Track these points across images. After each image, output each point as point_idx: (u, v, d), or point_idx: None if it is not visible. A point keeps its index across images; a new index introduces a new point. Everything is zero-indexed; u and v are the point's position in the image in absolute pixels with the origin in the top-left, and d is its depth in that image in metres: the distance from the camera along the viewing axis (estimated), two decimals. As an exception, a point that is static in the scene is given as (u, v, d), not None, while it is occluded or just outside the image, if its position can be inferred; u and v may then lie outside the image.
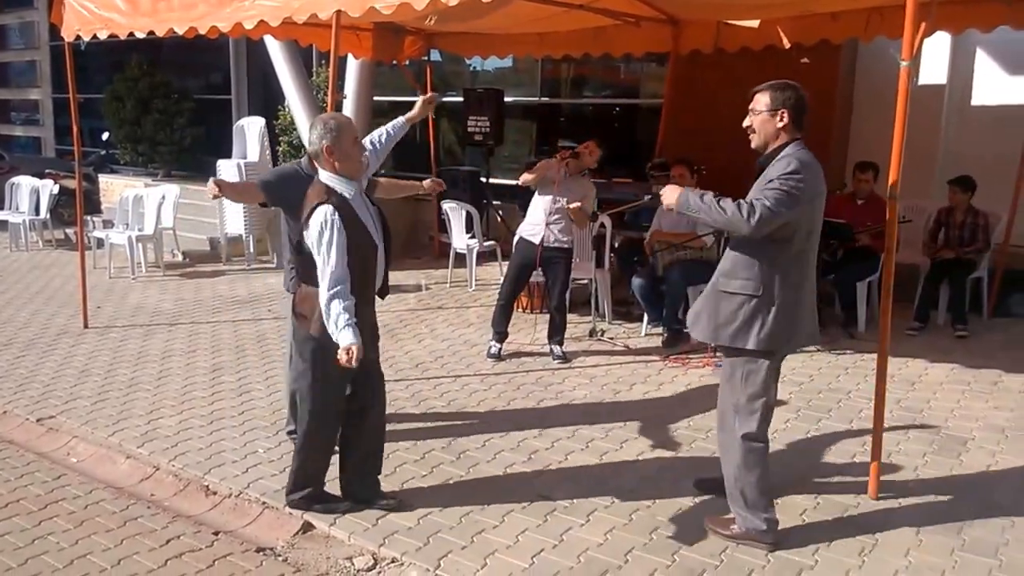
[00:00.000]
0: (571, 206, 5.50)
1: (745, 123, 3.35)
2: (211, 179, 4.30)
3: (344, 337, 3.12)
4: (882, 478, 3.76)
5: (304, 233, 3.30)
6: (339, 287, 3.17)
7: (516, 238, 5.87)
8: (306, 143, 3.76)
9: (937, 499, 3.74)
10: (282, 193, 4.04)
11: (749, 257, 3.21)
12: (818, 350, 5.91)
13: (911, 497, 3.76)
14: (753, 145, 3.35)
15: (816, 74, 6.90)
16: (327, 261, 3.17)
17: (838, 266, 6.40)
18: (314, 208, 3.23)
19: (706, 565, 3.22)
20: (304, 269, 3.43)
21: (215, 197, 4.25)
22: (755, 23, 6.36)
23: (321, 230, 3.18)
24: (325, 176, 3.35)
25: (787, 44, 6.47)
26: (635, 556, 3.29)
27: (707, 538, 3.40)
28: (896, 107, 3.49)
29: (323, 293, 3.18)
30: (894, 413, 4.70)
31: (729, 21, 6.72)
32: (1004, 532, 3.44)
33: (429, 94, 4.25)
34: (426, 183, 4.89)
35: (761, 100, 3.27)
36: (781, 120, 3.22)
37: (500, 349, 5.85)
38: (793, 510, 3.62)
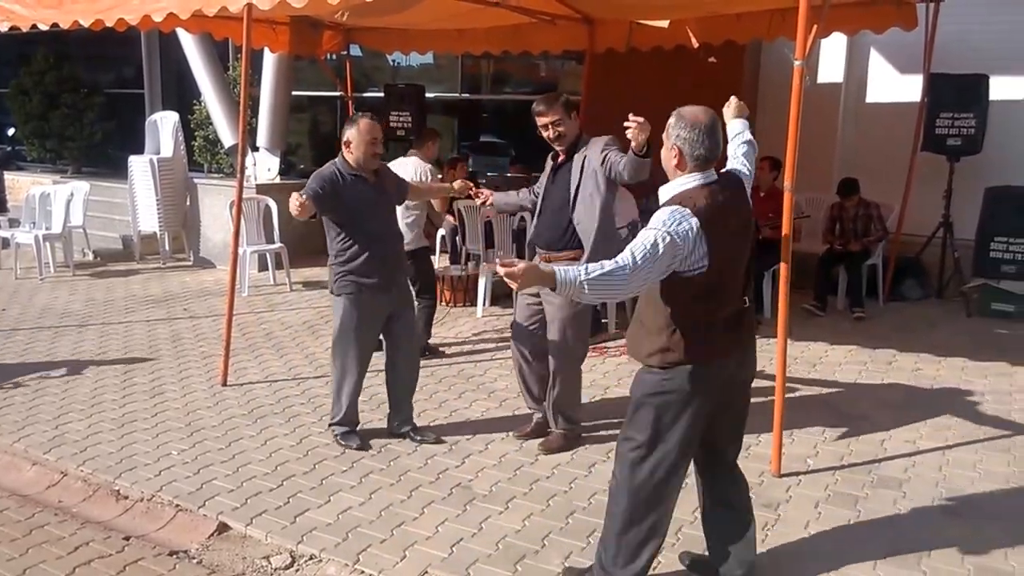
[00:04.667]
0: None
1: (554, 135, 4.07)
2: (294, 195, 3.91)
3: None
4: (784, 455, 3.96)
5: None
6: None
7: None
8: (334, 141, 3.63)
9: (835, 473, 3.95)
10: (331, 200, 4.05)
11: None
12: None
13: (811, 472, 3.96)
14: (564, 147, 4.12)
15: (723, 72, 7.14)
16: None
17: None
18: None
19: (619, 546, 3.34)
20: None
21: (299, 215, 3.93)
22: (665, 23, 6.55)
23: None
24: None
25: (696, 44, 6.68)
26: (552, 540, 3.37)
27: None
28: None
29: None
30: (796, 393, 4.93)
31: (640, 21, 6.90)
32: (895, 503, 3.65)
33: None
34: (457, 184, 4.83)
35: (552, 112, 4.05)
36: (573, 118, 4.11)
37: None
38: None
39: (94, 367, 5.59)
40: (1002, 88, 6.96)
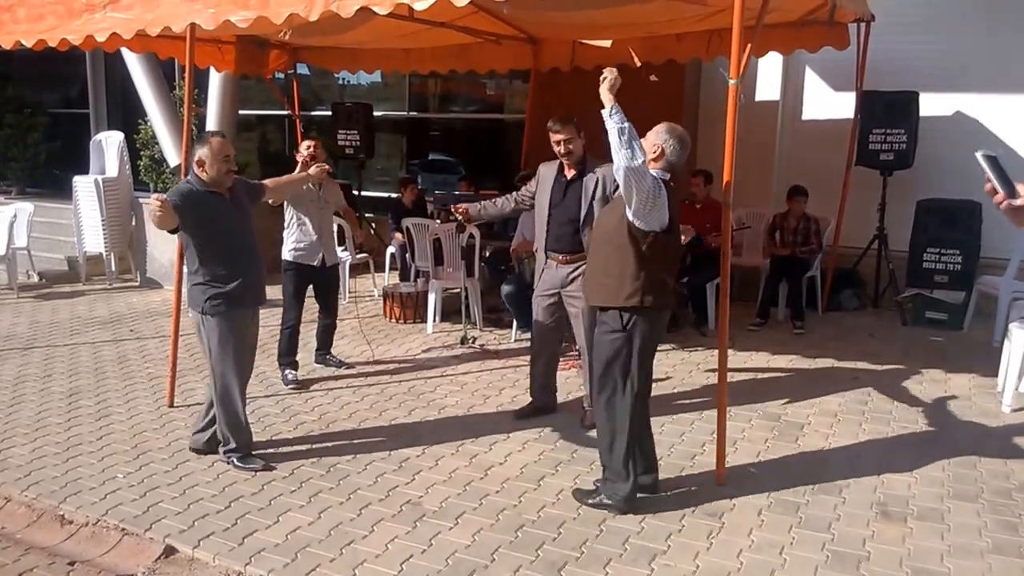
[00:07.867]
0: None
1: (564, 151, 4.46)
2: (154, 195, 4.02)
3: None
4: (728, 464, 4.06)
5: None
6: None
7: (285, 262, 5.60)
8: (172, 155, 3.69)
9: (777, 481, 4.05)
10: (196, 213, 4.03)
11: None
12: (673, 348, 6.26)
13: (754, 480, 4.06)
14: (573, 163, 4.50)
15: (664, 90, 7.31)
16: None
17: (688, 270, 6.78)
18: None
19: (568, 557, 3.38)
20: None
21: (159, 221, 3.92)
22: (607, 43, 6.70)
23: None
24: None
25: (638, 63, 6.84)
26: (501, 555, 3.41)
27: (568, 534, 3.58)
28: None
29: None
30: (738, 402, 5.03)
31: (583, 41, 7.04)
32: (836, 508, 3.77)
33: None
34: (312, 170, 4.99)
35: (565, 130, 4.45)
36: (582, 137, 4.50)
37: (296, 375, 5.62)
38: (648, 500, 3.84)
39: (38, 390, 5.49)
40: (931, 105, 7.23)
